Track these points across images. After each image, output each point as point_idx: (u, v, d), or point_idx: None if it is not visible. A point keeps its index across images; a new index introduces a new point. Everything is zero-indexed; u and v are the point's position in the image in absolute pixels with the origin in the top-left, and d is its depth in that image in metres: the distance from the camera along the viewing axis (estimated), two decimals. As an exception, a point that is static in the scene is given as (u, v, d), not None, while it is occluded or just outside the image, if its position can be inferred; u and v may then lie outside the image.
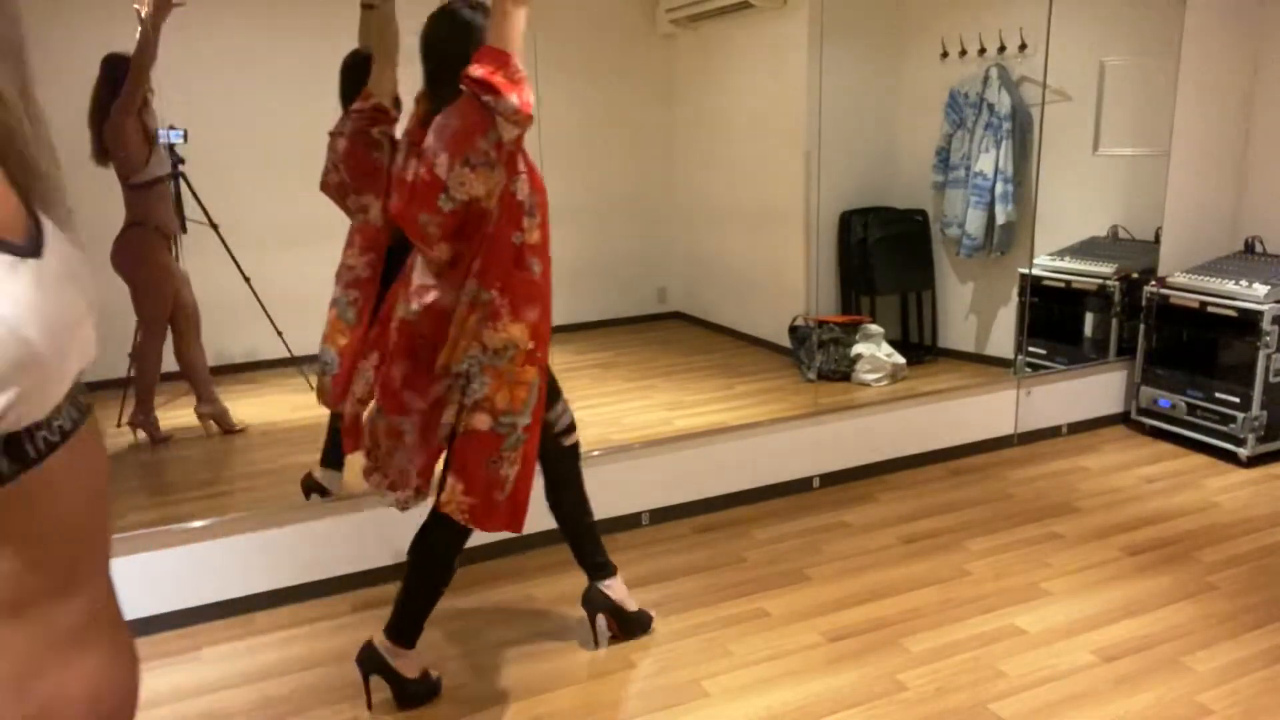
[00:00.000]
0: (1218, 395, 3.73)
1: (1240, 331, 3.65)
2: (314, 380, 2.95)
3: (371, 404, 2.20)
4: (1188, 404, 3.85)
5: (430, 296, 2.07)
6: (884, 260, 4.44)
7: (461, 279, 2.05)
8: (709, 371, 4.13)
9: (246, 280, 3.14)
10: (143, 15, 2.78)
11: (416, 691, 2.31)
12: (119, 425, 3.14)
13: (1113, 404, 4.19)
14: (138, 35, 2.81)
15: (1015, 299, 4.30)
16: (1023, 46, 4.12)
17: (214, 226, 3.03)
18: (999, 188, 4.21)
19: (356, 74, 2.59)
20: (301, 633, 2.68)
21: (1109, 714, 2.21)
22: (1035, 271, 4.23)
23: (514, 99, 1.87)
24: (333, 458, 2.94)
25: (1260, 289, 3.58)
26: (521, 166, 2.04)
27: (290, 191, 3.26)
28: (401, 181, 2.06)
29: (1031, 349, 4.21)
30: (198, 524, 2.72)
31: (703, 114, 4.64)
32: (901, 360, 4.21)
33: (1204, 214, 4.18)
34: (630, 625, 2.58)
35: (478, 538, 3.06)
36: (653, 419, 3.45)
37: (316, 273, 3.27)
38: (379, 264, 2.58)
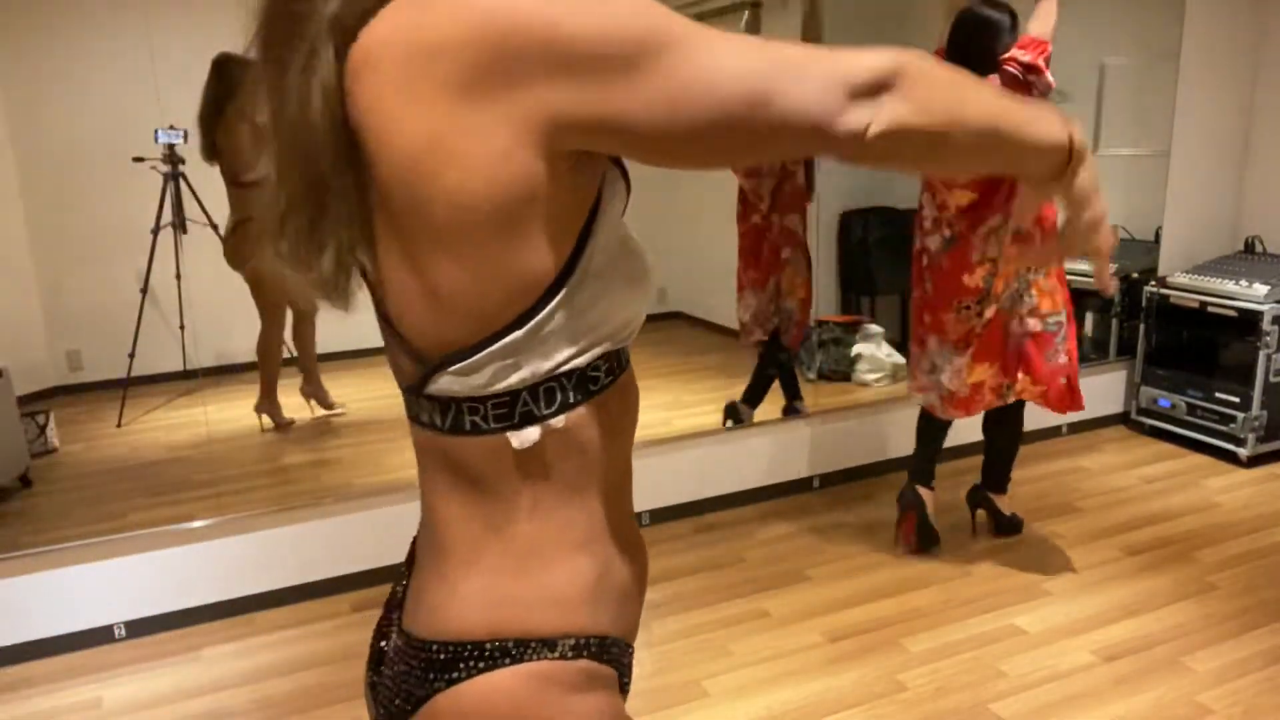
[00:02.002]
0: (1218, 395, 3.73)
1: (1240, 331, 3.64)
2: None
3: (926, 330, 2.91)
4: (1188, 404, 3.85)
5: (947, 231, 2.76)
6: (884, 260, 4.43)
7: (981, 218, 2.69)
8: (709, 371, 4.12)
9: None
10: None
11: (1012, 522, 3.10)
12: (119, 425, 3.14)
13: (1112, 404, 4.19)
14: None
15: (1015, 299, 4.30)
16: (1023, 46, 4.12)
17: (214, 226, 3.03)
18: (999, 188, 4.21)
19: None
20: (301, 633, 2.68)
21: (1109, 714, 2.21)
22: (1035, 271, 4.23)
23: (1049, 77, 2.57)
24: (752, 397, 3.60)
25: (1260, 289, 3.58)
26: None
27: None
28: None
29: (1031, 349, 4.21)
30: (198, 524, 2.72)
31: (703, 114, 4.63)
32: (902, 360, 4.21)
33: (1204, 214, 4.18)
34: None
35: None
36: (653, 419, 3.45)
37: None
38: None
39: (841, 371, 4.20)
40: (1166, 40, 3.95)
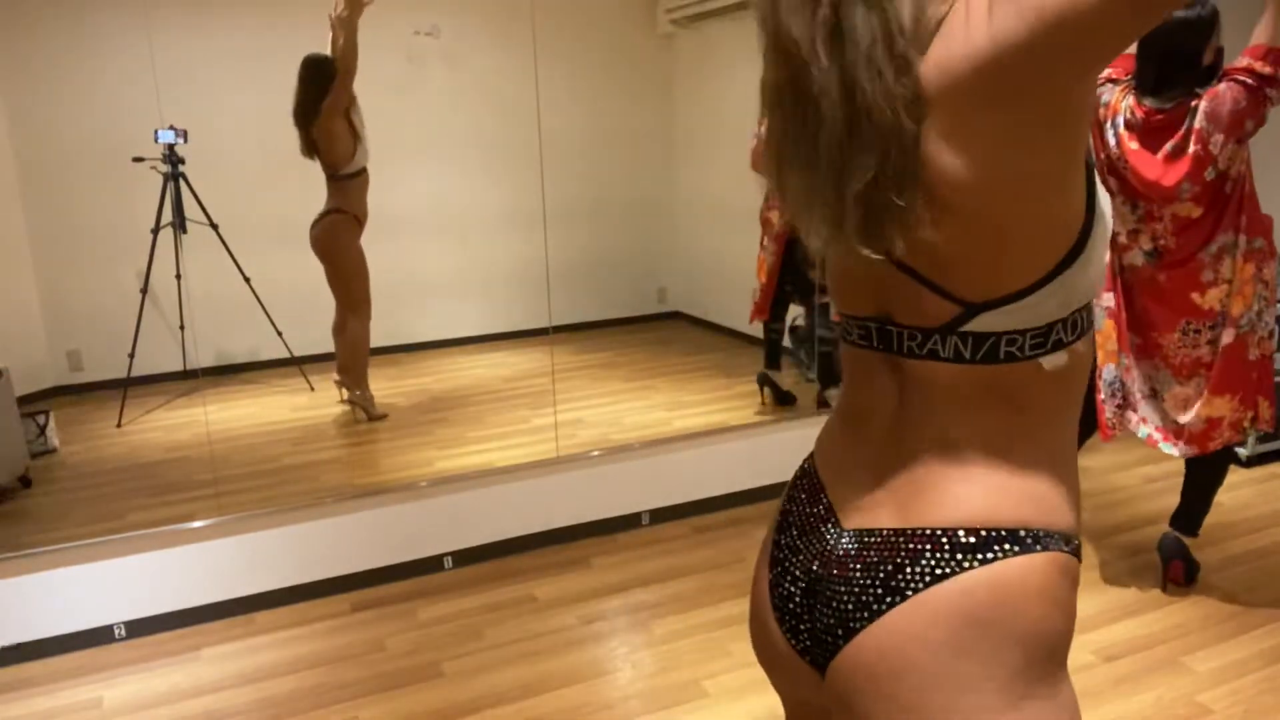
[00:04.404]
0: (1217, 395, 3.73)
1: (1240, 331, 3.63)
2: (310, 380, 3.26)
3: (1112, 355, 2.65)
4: (1187, 404, 3.84)
5: (1149, 245, 2.53)
6: (884, 260, 4.45)
7: (1209, 235, 2.45)
8: (709, 371, 4.13)
9: (246, 280, 3.14)
10: (338, 16, 2.93)
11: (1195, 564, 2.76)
12: (119, 425, 3.14)
13: (1112, 404, 4.19)
14: (340, 39, 2.94)
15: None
16: (1023, 46, 4.12)
17: (214, 226, 3.03)
18: (999, 188, 4.21)
19: None
20: (301, 633, 2.68)
21: (1109, 714, 2.21)
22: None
23: None
24: (772, 362, 3.75)
25: (1260, 289, 3.57)
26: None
27: (290, 191, 3.25)
28: (1132, 155, 2.48)
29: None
30: (198, 524, 2.72)
31: (702, 114, 4.64)
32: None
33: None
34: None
35: (472, 536, 3.06)
36: (653, 419, 3.45)
37: (316, 272, 3.27)
38: None
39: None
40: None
